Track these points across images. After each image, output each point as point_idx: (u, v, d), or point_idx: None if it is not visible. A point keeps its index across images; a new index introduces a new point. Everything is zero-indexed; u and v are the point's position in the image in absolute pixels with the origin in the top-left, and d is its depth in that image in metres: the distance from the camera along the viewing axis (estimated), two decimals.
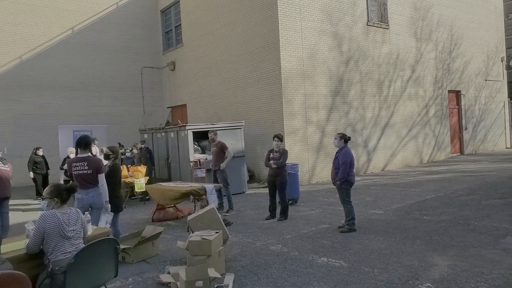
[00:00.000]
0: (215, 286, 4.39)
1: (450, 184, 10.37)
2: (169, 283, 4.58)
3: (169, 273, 4.81)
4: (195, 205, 7.67)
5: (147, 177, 10.22)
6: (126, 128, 16.47)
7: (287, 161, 7.62)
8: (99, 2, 16.54)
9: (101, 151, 10.15)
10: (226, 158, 8.53)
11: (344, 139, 6.67)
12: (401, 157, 14.97)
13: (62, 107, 15.62)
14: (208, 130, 9.47)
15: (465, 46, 17.69)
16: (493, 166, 13.63)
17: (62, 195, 3.77)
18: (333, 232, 6.51)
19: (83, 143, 5.57)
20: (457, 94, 17.63)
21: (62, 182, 8.89)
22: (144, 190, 9.57)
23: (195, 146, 10.83)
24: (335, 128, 12.55)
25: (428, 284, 4.22)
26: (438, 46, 16.45)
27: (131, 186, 9.79)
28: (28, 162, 11.56)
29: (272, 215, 7.65)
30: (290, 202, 8.31)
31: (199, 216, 5.73)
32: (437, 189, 9.77)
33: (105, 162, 6.33)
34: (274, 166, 7.43)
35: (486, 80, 18.96)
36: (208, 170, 9.47)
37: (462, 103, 17.63)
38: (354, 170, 6.71)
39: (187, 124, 10.85)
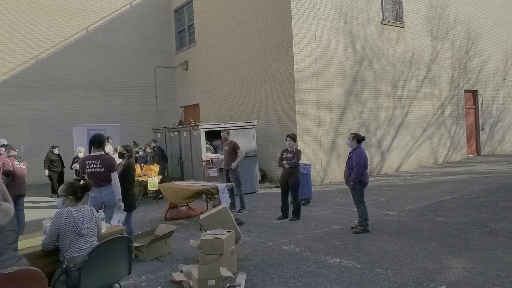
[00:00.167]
0: (227, 285, 4.39)
1: (466, 186, 10.19)
2: (182, 281, 4.59)
3: (181, 271, 4.84)
4: (207, 204, 7.69)
5: (160, 176, 10.29)
6: (139, 127, 16.63)
7: (300, 161, 7.59)
8: (113, 2, 16.71)
9: (115, 149, 10.27)
10: (238, 157, 8.53)
11: (358, 139, 6.61)
12: (416, 157, 14.77)
13: (77, 106, 15.84)
14: (221, 130, 9.48)
15: (483, 44, 17.35)
16: (511, 167, 13.34)
17: (77, 193, 3.82)
18: (346, 233, 6.45)
19: (97, 141, 5.62)
20: (474, 94, 17.31)
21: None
22: (157, 188, 9.63)
23: (208, 145, 10.86)
24: (348, 128, 12.45)
25: (443, 286, 4.15)
26: (454, 45, 16.17)
27: (145, 184, 9.87)
28: (44, 160, 11.76)
29: (285, 215, 7.62)
30: (302, 202, 8.27)
31: (211, 215, 5.75)
32: (453, 191, 9.60)
33: (119, 161, 6.39)
34: (287, 166, 7.41)
35: (504, 79, 18.57)
36: (220, 170, 9.49)
37: (479, 103, 17.30)
38: (368, 171, 6.63)
39: (200, 124, 10.89)
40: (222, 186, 7.52)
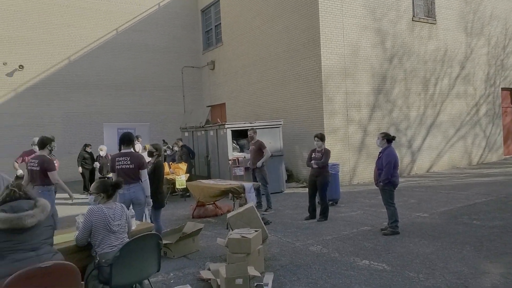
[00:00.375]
0: (255, 284, 4.37)
1: (502, 188, 9.76)
2: (209, 279, 4.62)
3: (209, 269, 4.86)
4: (234, 203, 7.70)
5: (188, 174, 10.41)
6: (167, 126, 16.88)
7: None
8: (142, 3, 17.03)
9: (144, 148, 10.47)
10: (264, 156, 8.49)
11: (388, 139, 6.45)
12: (448, 158, 14.29)
13: (107, 106, 16.25)
14: (247, 129, 9.48)
15: None
16: None
17: (108, 190, 3.89)
18: (375, 235, 6.31)
19: (126, 139, 5.73)
20: (511, 92, 16.58)
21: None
22: (185, 187, 9.74)
23: (234, 144, 10.89)
24: (377, 128, 12.19)
25: None
26: (490, 41, 15.54)
27: (173, 182, 10.01)
28: (78, 157, 12.11)
29: (312, 216, 7.54)
30: (330, 202, 8.15)
31: (238, 214, 5.75)
32: (488, 193, 9.23)
33: (148, 159, 6.49)
34: (315, 166, 7.32)
35: None
36: (246, 169, 9.49)
37: None
38: (398, 171, 6.46)
39: (226, 123, 10.93)
40: (248, 185, 7.52)
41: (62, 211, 8.38)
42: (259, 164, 8.46)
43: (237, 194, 7.41)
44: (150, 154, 6.50)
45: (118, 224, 3.80)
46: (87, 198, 9.34)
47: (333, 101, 11.51)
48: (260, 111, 14.12)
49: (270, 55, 13.58)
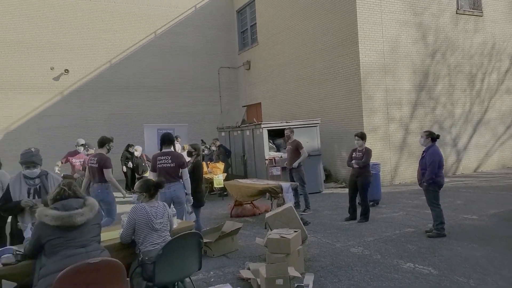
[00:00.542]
0: (295, 285, 4.32)
1: None
2: (249, 279, 4.61)
3: (248, 269, 4.86)
4: (271, 203, 7.66)
5: (225, 174, 10.49)
6: (204, 127, 17.11)
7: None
8: (179, 6, 17.35)
9: (183, 148, 10.66)
10: (301, 157, 8.37)
11: (432, 137, 6.20)
12: (498, 157, 13.54)
13: (146, 107, 16.69)
14: (283, 128, 9.40)
15: None
16: None
17: (150, 190, 3.97)
18: (419, 237, 6.07)
19: (167, 139, 5.91)
20: None
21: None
22: (222, 186, 9.82)
23: (270, 144, 10.85)
24: (420, 126, 11.75)
25: None
26: None
27: (210, 182, 10.12)
28: (121, 157, 12.49)
29: (352, 217, 7.37)
30: (371, 203, 7.93)
31: (277, 214, 5.70)
32: None
33: (187, 159, 6.59)
34: (355, 166, 7.16)
35: None
36: (283, 168, 9.41)
37: None
38: (443, 171, 6.18)
39: (262, 122, 10.91)
40: (286, 185, 7.45)
41: None
42: (295, 164, 8.37)
43: (274, 194, 7.36)
44: (189, 154, 6.61)
45: (160, 222, 3.87)
46: (131, 197, 9.66)
47: (372, 99, 11.21)
48: (297, 110, 14.00)
49: (306, 54, 13.43)
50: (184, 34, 17.37)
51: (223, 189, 10.06)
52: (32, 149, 4.00)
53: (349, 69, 11.47)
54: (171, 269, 3.71)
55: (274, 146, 10.99)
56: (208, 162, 11.27)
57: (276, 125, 10.77)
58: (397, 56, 11.61)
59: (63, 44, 15.34)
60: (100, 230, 3.39)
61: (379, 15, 11.34)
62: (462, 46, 12.77)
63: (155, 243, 3.77)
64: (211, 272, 5.03)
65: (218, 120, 16.25)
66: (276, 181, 8.06)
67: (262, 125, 10.56)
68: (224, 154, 11.45)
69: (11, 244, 3.76)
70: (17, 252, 3.33)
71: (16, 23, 14.62)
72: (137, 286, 3.63)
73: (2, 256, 3.23)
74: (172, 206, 5.37)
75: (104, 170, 6.09)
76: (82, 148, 8.66)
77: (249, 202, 8.30)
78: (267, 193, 7.59)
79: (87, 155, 8.44)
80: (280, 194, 7.25)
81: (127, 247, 3.87)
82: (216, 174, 10.12)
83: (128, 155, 12.44)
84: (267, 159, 10.27)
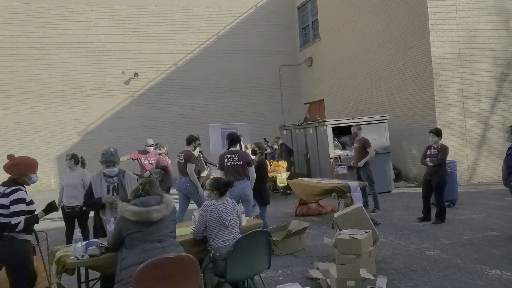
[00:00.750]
0: (368, 287, 4.14)
1: None
2: (319, 279, 4.53)
3: (317, 268, 4.78)
4: (338, 203, 7.47)
5: (288, 172, 10.42)
6: (266, 125, 17.17)
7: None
8: (240, 6, 17.59)
9: (246, 147, 10.77)
10: (368, 156, 8.03)
11: None
12: None
13: (211, 107, 17.16)
14: (348, 125, 9.11)
15: None
16: None
17: (220, 188, 4.06)
18: (506, 241, 5.55)
19: (234, 138, 6.08)
20: None
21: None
22: (286, 184, 9.77)
23: (335, 142, 10.58)
24: (502, 120, 10.76)
25: None
26: None
27: (273, 180, 10.11)
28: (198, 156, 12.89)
29: (426, 218, 6.93)
30: (447, 204, 7.40)
31: (346, 214, 5.56)
32: None
33: (252, 157, 6.65)
34: (430, 164, 6.73)
35: None
36: (349, 167, 9.12)
37: None
38: None
39: (326, 120, 10.67)
40: (354, 184, 7.20)
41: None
42: (360, 164, 8.06)
43: (342, 193, 7.16)
44: (254, 152, 6.68)
45: (231, 219, 3.94)
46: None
47: (446, 93, 10.47)
48: (362, 106, 13.52)
49: (371, 47, 12.92)
50: (245, 34, 17.58)
51: (286, 187, 10.01)
52: (111, 149, 4.26)
53: (419, 62, 10.82)
54: (242, 266, 3.75)
55: (339, 144, 10.71)
56: (271, 160, 11.28)
57: (341, 122, 10.48)
58: (475, 45, 10.72)
59: (132, 50, 16.27)
60: (175, 227, 3.52)
61: (453, 2, 10.55)
62: None
63: (226, 240, 3.84)
64: (279, 271, 5.01)
65: (279, 118, 16.23)
66: (343, 181, 7.83)
67: (326, 123, 10.33)
68: (287, 152, 11.38)
69: (95, 238, 4.03)
70: (101, 245, 3.56)
71: (89, 32, 15.77)
72: (209, 282, 3.72)
73: (88, 248, 3.47)
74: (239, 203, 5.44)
75: (188, 164, 6.45)
76: (151, 148, 9.07)
77: (315, 201, 8.16)
78: (333, 193, 7.40)
79: (159, 154, 8.85)
80: (347, 194, 7.04)
81: (199, 243, 3.99)
82: (279, 173, 10.10)
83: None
84: (332, 158, 10.03)
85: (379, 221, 7.00)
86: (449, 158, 7.37)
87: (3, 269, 3.85)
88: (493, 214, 7.09)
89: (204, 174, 10.19)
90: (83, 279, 3.64)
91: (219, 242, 3.83)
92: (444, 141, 9.83)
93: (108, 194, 4.09)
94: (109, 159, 4.14)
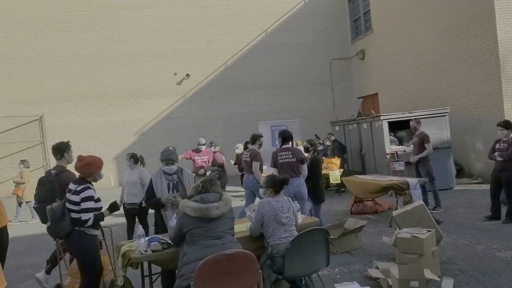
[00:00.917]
0: None
1: None
2: (378, 278, 4.42)
3: (377, 268, 4.65)
4: (397, 200, 7.19)
5: (342, 169, 10.19)
6: (317, 121, 16.92)
7: None
8: (288, 2, 17.44)
9: (296, 144, 10.67)
10: (424, 151, 7.62)
11: None
12: None
13: (260, 105, 17.21)
14: (405, 120, 8.71)
15: None
16: None
17: (276, 186, 4.07)
18: None
19: (287, 136, 6.04)
20: None
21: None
22: (339, 182, 9.56)
23: (391, 137, 10.18)
24: None
25: None
26: None
27: (326, 177, 9.93)
28: (241, 154, 13.04)
29: (495, 216, 6.46)
30: None
31: (406, 212, 5.36)
32: None
33: (305, 155, 6.57)
34: (499, 159, 6.26)
35: None
36: (407, 163, 8.73)
37: None
38: None
39: (382, 114, 10.28)
40: (413, 181, 6.89)
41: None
42: (413, 159, 7.71)
43: (400, 190, 6.89)
44: (306, 149, 6.61)
45: (287, 217, 3.93)
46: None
47: None
48: (419, 99, 12.89)
49: (428, 37, 12.26)
50: (294, 29, 17.43)
51: (340, 185, 9.80)
52: (171, 148, 4.40)
53: (483, 50, 10.09)
54: (300, 263, 3.75)
55: (395, 139, 10.28)
56: (323, 157, 11.08)
57: (397, 116, 10.04)
58: None
59: (183, 51, 16.72)
60: (233, 224, 3.57)
61: None
62: None
63: (282, 237, 3.84)
64: (336, 269, 4.94)
65: (331, 114, 15.93)
66: (401, 177, 7.51)
67: (382, 117, 9.95)
68: (340, 149, 11.13)
69: (156, 234, 4.18)
70: (162, 240, 3.69)
71: (142, 36, 16.39)
72: (267, 278, 3.74)
73: (150, 243, 3.61)
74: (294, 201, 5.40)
75: (254, 162, 6.55)
76: (204, 147, 9.28)
77: (371, 199, 7.92)
78: (390, 190, 7.13)
79: (214, 152, 9.02)
80: (406, 191, 6.76)
81: (256, 240, 4.02)
82: (332, 170, 9.88)
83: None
84: (388, 154, 9.66)
85: (441, 219, 6.63)
86: None
87: (75, 261, 4.13)
88: None
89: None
90: (146, 273, 3.80)
91: (275, 239, 3.84)
92: None
93: (169, 191, 4.22)
94: (168, 157, 4.27)
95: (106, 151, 15.68)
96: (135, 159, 6.40)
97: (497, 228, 6.04)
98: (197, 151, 9.25)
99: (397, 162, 8.94)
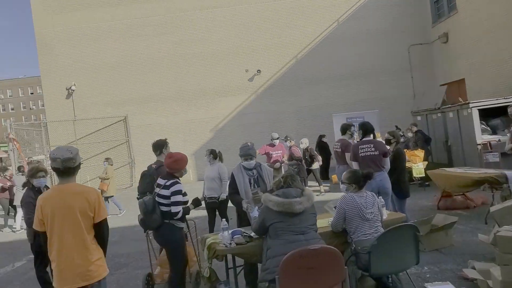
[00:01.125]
0: None
1: None
2: (475, 279, 4.10)
3: (473, 268, 4.30)
4: (493, 195, 6.54)
5: (426, 162, 9.54)
6: (396, 112, 15.98)
7: None
8: None
9: (375, 136, 10.19)
10: None
11: None
12: None
13: (333, 97, 16.76)
14: (500, 106, 7.87)
15: None
16: None
17: (359, 181, 3.94)
18: None
19: (366, 128, 5.78)
20: None
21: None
22: (423, 175, 8.97)
23: (483, 126, 9.29)
24: None
25: None
26: None
27: (409, 171, 9.35)
28: (316, 147, 12.86)
29: None
30: None
31: (506, 208, 4.81)
32: None
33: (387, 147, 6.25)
34: None
35: None
36: (503, 154, 7.90)
37: None
38: None
39: (471, 102, 9.42)
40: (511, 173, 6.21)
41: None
42: (507, 148, 6.90)
43: (497, 184, 6.26)
44: (388, 142, 6.29)
45: (371, 212, 3.81)
46: (327, 186, 9.91)
47: None
48: None
49: None
50: (367, 16, 16.67)
51: (424, 178, 9.18)
52: (249, 143, 4.50)
53: None
54: (387, 261, 3.62)
55: (488, 128, 9.38)
56: (405, 150, 10.45)
57: (490, 103, 9.14)
58: None
59: (254, 47, 16.89)
60: (316, 220, 3.51)
61: None
62: None
63: (367, 234, 3.73)
64: (425, 268, 4.68)
65: (411, 103, 14.99)
66: (498, 170, 6.83)
67: (471, 105, 9.13)
68: (423, 140, 10.41)
69: (239, 227, 4.27)
70: (245, 234, 3.75)
71: (215, 35, 16.84)
72: (352, 275, 3.67)
73: (234, 237, 3.69)
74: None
75: (346, 153, 6.52)
76: (277, 141, 9.32)
77: (461, 193, 7.31)
78: (484, 184, 6.50)
79: (290, 146, 9.03)
80: (504, 185, 6.11)
81: (339, 235, 3.94)
82: (415, 163, 9.29)
83: (323, 145, 12.64)
84: (480, 144, 8.84)
85: None
86: None
87: (163, 251, 4.38)
88: None
89: (314, 166, 10.15)
90: (230, 265, 3.90)
91: (360, 235, 3.73)
92: None
93: (250, 186, 4.29)
94: (247, 153, 4.35)
95: (186, 148, 16.40)
96: (214, 155, 6.62)
97: None
98: (271, 145, 9.32)
99: (491, 153, 8.19)
